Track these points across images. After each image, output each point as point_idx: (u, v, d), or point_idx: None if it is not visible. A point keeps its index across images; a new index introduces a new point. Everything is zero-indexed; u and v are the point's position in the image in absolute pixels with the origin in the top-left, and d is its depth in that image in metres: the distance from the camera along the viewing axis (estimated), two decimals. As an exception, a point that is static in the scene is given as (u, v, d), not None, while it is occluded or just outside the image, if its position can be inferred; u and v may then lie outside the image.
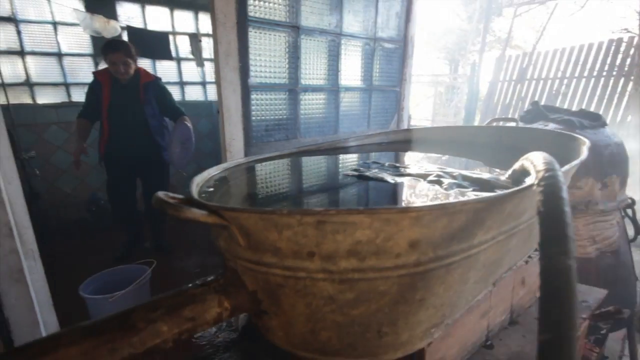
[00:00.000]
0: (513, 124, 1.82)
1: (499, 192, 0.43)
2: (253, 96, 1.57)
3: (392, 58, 2.17)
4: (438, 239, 0.38)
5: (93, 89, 2.08)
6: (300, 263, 0.39)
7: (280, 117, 1.70)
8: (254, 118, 1.60)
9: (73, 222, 3.28)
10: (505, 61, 5.68)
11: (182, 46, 3.71)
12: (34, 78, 3.11)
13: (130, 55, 2.02)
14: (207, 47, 3.76)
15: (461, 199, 0.35)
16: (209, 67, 3.89)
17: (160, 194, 0.39)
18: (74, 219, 3.33)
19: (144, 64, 3.55)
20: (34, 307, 1.22)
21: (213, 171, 0.69)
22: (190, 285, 0.45)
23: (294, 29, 1.64)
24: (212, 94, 4.07)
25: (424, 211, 0.35)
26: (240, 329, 1.84)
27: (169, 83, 3.78)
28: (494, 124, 1.84)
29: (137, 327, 0.39)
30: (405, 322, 0.44)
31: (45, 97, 3.19)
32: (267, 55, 1.57)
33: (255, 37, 1.51)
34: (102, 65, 2.25)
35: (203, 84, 4.03)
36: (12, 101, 2.87)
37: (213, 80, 4.03)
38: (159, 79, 2.23)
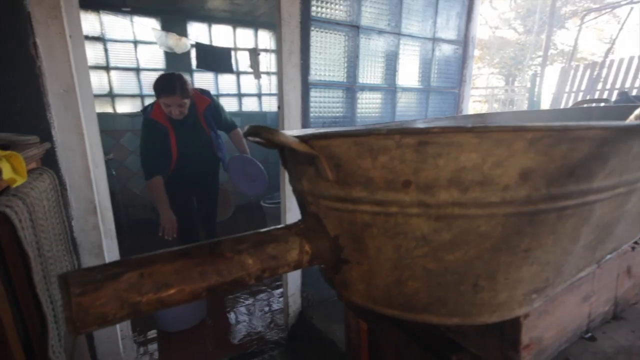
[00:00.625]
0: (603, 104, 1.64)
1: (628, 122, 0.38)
2: (312, 93, 1.60)
3: (451, 59, 2.10)
4: (554, 172, 0.34)
5: (158, 136, 1.83)
6: (394, 195, 0.36)
7: (337, 114, 1.71)
8: (312, 114, 1.63)
9: (139, 221, 3.57)
10: (572, 71, 5.25)
11: (242, 60, 3.96)
12: (115, 90, 3.50)
13: (187, 95, 1.77)
14: (264, 60, 3.99)
15: (585, 123, 0.31)
16: (265, 79, 4.11)
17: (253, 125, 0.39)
18: (141, 219, 3.62)
19: (208, 77, 3.86)
20: (109, 283, 1.32)
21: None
22: (272, 227, 0.45)
23: (354, 29, 1.66)
24: (266, 105, 4.27)
25: (543, 132, 0.31)
26: (290, 328, 1.82)
27: (228, 95, 4.06)
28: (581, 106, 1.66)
29: (225, 255, 0.39)
30: (505, 276, 0.39)
31: (123, 107, 3.57)
32: (327, 53, 1.61)
33: (317, 36, 1.55)
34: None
35: (259, 95, 4.24)
36: (98, 110, 3.26)
37: (267, 92, 4.26)
38: (210, 94, 2.03)
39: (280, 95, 1.53)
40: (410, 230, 0.37)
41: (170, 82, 1.73)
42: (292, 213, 1.64)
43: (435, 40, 1.99)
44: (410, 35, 1.88)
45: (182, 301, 0.37)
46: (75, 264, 1.09)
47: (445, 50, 2.06)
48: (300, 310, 1.79)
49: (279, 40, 1.47)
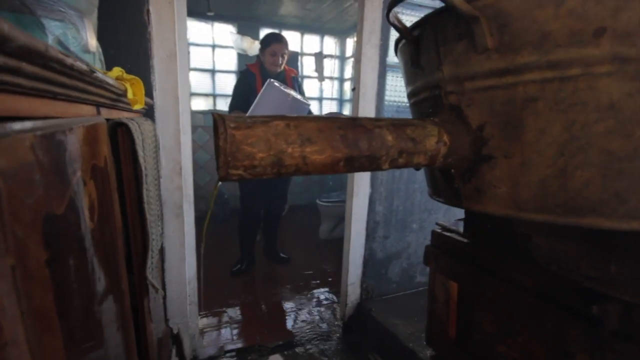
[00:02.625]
0: None
1: None
2: (388, 75, 1.58)
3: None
4: None
5: (246, 80, 2.13)
6: (577, 52, 0.31)
7: (413, 100, 1.66)
8: (387, 98, 1.59)
9: (202, 212, 3.78)
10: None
11: (306, 65, 4.09)
12: (193, 89, 3.81)
13: (288, 49, 2.14)
14: (328, 65, 4.09)
15: None
16: (327, 84, 4.21)
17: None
18: (204, 209, 3.84)
19: (274, 79, 4.04)
20: (184, 244, 1.38)
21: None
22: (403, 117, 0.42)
23: (435, 13, 1.62)
24: (326, 108, 4.36)
25: None
26: (347, 319, 1.75)
27: (331, 99, 4.27)
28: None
29: (365, 126, 0.37)
30: None
31: (197, 105, 3.86)
32: (406, 36, 1.58)
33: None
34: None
35: (320, 99, 4.34)
36: (176, 105, 3.57)
37: (329, 96, 4.34)
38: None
39: (356, 76, 1.53)
40: (593, 97, 0.31)
41: (278, 34, 2.17)
42: (359, 198, 1.60)
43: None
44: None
45: (321, 166, 0.35)
46: (161, 213, 1.16)
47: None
48: (358, 302, 1.72)
49: (360, 20, 1.48)
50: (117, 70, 0.68)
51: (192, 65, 3.78)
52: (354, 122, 0.36)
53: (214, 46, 3.78)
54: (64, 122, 0.35)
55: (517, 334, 0.62)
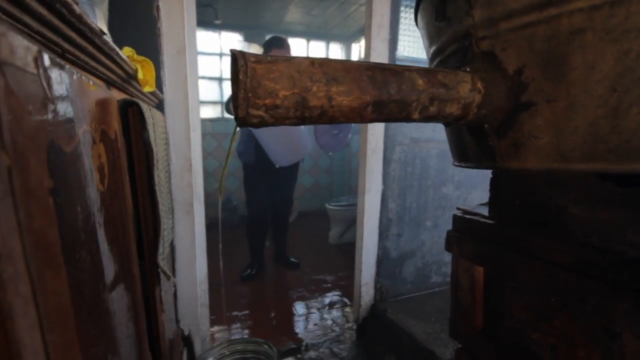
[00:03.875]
0: None
1: None
2: (399, 70, 1.56)
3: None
4: None
5: None
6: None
7: (423, 95, 1.63)
8: (397, 93, 1.57)
9: (210, 219, 3.76)
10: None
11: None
12: (201, 97, 3.85)
13: (290, 53, 2.10)
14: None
15: None
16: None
17: None
18: (211, 216, 3.83)
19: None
20: (195, 244, 1.35)
21: None
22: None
23: (444, 7, 1.61)
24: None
25: None
26: (361, 321, 1.70)
27: None
28: None
29: (394, 69, 0.34)
30: None
31: (205, 112, 3.90)
32: (415, 29, 1.56)
33: (407, 12, 1.53)
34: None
35: (327, 104, 4.36)
36: (184, 113, 3.61)
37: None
38: None
39: (366, 70, 1.51)
40: (652, 19, 0.28)
41: (282, 39, 2.10)
42: (371, 194, 1.57)
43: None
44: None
45: (348, 109, 0.32)
46: (172, 207, 1.14)
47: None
48: (372, 304, 1.66)
49: (368, 15, 1.47)
50: (127, 50, 0.67)
51: (200, 73, 3.83)
52: (382, 65, 0.34)
53: (221, 55, 3.82)
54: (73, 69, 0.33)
55: (554, 318, 0.58)
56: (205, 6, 3.26)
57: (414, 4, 1.49)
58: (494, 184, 0.68)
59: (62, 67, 0.28)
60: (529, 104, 0.36)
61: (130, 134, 0.64)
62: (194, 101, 1.33)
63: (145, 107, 0.64)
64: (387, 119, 0.34)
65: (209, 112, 3.92)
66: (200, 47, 3.82)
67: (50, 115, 0.23)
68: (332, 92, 0.31)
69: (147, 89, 0.70)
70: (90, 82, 0.39)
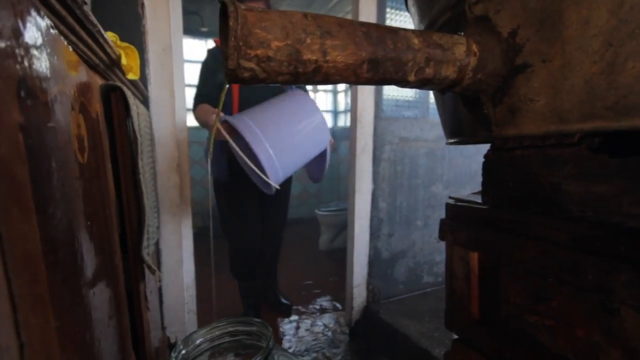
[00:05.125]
0: None
1: None
2: (386, 70, 1.57)
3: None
4: None
5: (216, 60, 1.49)
6: None
7: (411, 95, 1.65)
8: (385, 93, 1.58)
9: (198, 229, 3.68)
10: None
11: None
12: (188, 105, 3.81)
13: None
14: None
15: None
16: (320, 95, 4.27)
17: None
18: (199, 226, 3.74)
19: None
20: (182, 246, 1.31)
21: None
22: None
23: (428, 10, 1.64)
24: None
25: None
26: (354, 324, 1.67)
27: (325, 111, 4.32)
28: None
29: (389, 28, 0.33)
30: None
31: (192, 121, 3.85)
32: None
33: (392, 14, 1.55)
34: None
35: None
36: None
37: (323, 109, 4.39)
38: None
39: (354, 70, 1.52)
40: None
41: None
42: (362, 194, 1.56)
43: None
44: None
45: (343, 66, 0.31)
46: (157, 206, 1.10)
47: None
48: (365, 305, 1.64)
49: (354, 15, 1.48)
50: (110, 35, 0.65)
51: (187, 82, 3.79)
52: (376, 24, 0.33)
53: (209, 62, 3.81)
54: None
55: (551, 299, 0.57)
56: (192, 14, 3.26)
57: (400, 8, 1.51)
58: (486, 167, 0.68)
59: (40, 16, 0.26)
60: (525, 66, 0.36)
61: (112, 122, 0.62)
62: (180, 101, 1.31)
63: (129, 93, 0.62)
64: (382, 79, 0.33)
65: (193, 120, 3.87)
66: (186, 55, 3.81)
67: (21, 51, 0.21)
68: (327, 46, 0.30)
69: (130, 76, 0.67)
70: (70, 48, 0.36)
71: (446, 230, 0.79)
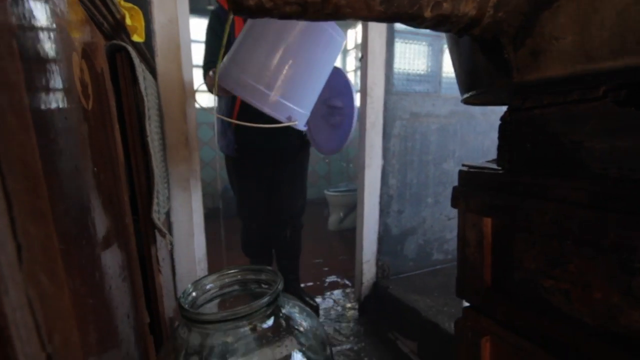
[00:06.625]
0: None
1: None
2: (397, 43, 1.52)
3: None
4: None
5: (220, 22, 1.41)
6: None
7: (422, 69, 1.60)
8: (396, 66, 1.54)
9: (208, 210, 3.73)
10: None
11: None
12: (195, 86, 3.79)
13: None
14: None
15: None
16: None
17: None
18: (209, 207, 3.79)
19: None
20: (192, 220, 1.32)
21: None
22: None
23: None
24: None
25: None
26: (363, 299, 1.68)
27: None
28: None
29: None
30: None
31: (200, 101, 3.84)
32: None
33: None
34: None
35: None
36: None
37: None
38: None
39: (364, 43, 1.48)
40: None
41: None
42: (371, 170, 1.54)
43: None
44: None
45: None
46: (167, 177, 1.11)
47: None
48: (374, 281, 1.64)
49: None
50: (114, -6, 0.63)
51: (195, 62, 3.77)
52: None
53: (216, 42, 3.76)
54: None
55: (568, 263, 0.55)
56: (198, -10, 3.20)
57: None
58: (503, 130, 0.66)
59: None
60: (551, 1, 0.33)
61: (119, 83, 0.61)
62: (187, 73, 1.29)
63: (134, 53, 0.61)
64: (396, 13, 0.31)
65: (204, 102, 3.86)
66: (194, 35, 3.76)
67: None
68: (337, -28, 0.28)
69: (135, 38, 0.66)
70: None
71: (459, 197, 0.77)
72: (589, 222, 0.50)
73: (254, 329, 0.40)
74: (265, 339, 0.40)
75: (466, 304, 0.81)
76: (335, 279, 2.06)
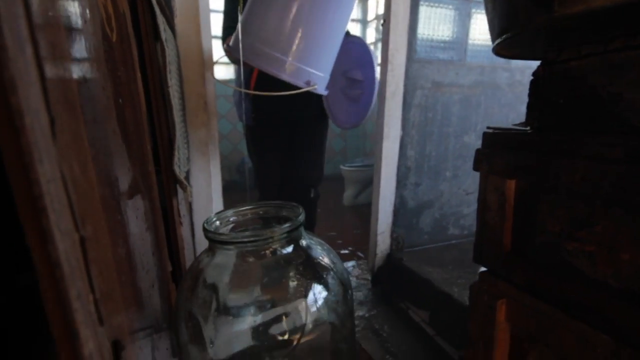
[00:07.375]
0: None
1: None
2: (422, 6, 1.45)
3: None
4: None
5: None
6: None
7: (447, 35, 1.52)
8: (419, 32, 1.47)
9: (226, 182, 3.80)
10: None
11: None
12: (214, 58, 3.76)
13: None
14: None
15: None
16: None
17: None
18: (227, 179, 3.85)
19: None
20: (211, 185, 1.35)
21: None
22: None
23: None
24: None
25: None
26: (376, 270, 1.69)
27: None
28: None
29: None
30: None
31: (218, 74, 3.83)
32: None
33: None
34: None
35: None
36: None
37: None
38: None
39: (387, 5, 1.41)
40: None
41: None
42: (390, 141, 1.51)
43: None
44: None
45: None
46: (187, 137, 1.12)
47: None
48: (388, 253, 1.65)
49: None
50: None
51: (214, 33, 3.72)
52: None
53: (233, 12, 3.69)
54: None
55: (595, 224, 0.53)
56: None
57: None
58: (535, 86, 0.62)
59: None
60: None
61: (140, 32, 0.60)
62: (206, 39, 1.28)
63: (155, 1, 0.60)
64: None
65: (222, 74, 3.84)
66: (213, 5, 3.69)
67: None
68: None
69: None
70: None
71: (482, 159, 0.75)
72: (622, 179, 0.48)
73: (274, 252, 0.41)
74: (286, 265, 0.41)
75: (483, 269, 0.80)
76: (349, 251, 2.09)
